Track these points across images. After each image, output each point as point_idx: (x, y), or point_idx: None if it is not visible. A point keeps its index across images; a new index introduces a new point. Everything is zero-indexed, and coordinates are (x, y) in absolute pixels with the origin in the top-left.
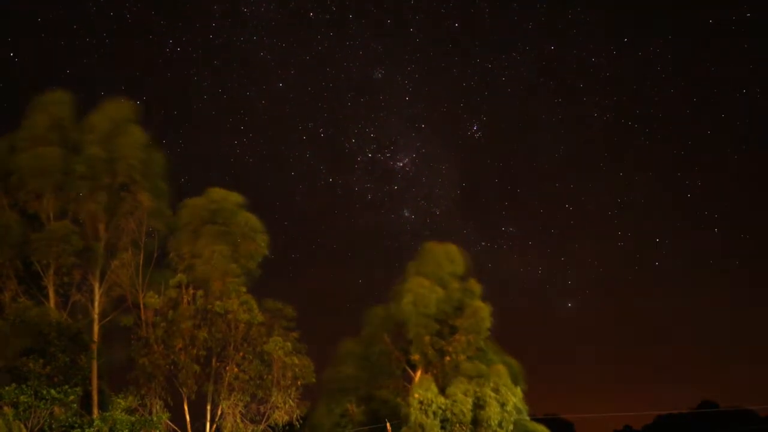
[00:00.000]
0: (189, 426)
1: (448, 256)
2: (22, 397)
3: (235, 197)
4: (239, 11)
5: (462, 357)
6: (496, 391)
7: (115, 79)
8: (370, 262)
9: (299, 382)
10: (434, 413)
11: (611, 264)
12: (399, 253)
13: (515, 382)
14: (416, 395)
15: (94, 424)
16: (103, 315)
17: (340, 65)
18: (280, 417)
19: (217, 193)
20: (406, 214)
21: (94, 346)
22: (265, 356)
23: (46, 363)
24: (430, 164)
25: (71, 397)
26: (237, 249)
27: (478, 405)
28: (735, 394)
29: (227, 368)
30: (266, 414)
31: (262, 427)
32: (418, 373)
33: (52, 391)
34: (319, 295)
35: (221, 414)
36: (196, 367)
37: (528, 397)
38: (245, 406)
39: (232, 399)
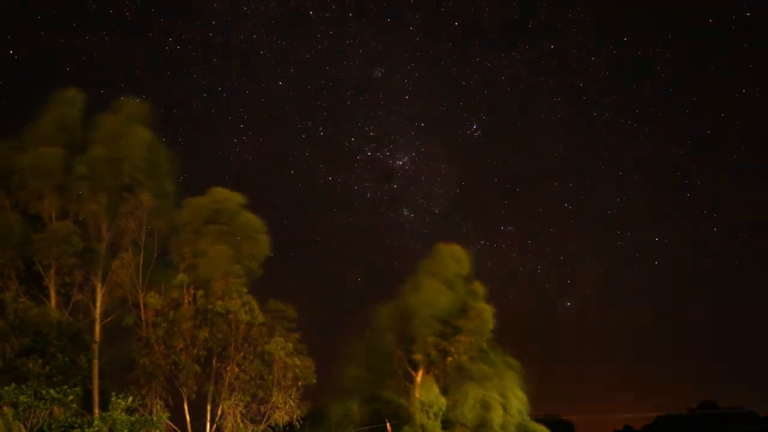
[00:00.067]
0: (189, 426)
1: (454, 257)
2: (21, 397)
3: (237, 197)
4: (239, 9)
5: (464, 358)
6: (500, 393)
7: (114, 78)
8: (370, 261)
9: (300, 383)
10: (435, 414)
11: (611, 263)
12: (398, 252)
13: (519, 385)
14: (418, 396)
15: (94, 424)
16: (104, 315)
17: (340, 64)
18: (281, 417)
19: (219, 192)
20: (406, 213)
21: (96, 346)
22: (265, 356)
23: (46, 363)
24: (429, 163)
25: (71, 397)
26: (239, 249)
27: (482, 407)
28: (735, 394)
29: (228, 368)
30: (267, 414)
31: (262, 427)
32: (420, 374)
33: (52, 391)
34: (319, 294)
35: (221, 414)
36: (197, 367)
37: (527, 397)
38: (246, 407)
39: (232, 399)
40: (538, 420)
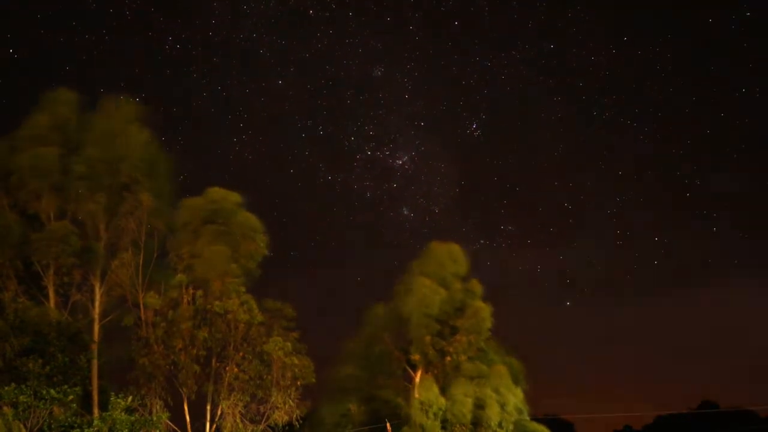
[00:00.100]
0: (189, 426)
1: (450, 256)
2: (21, 397)
3: (235, 197)
4: (239, 8)
5: (463, 357)
6: (497, 391)
7: (114, 77)
8: (369, 260)
9: (299, 383)
10: (435, 414)
11: (610, 263)
12: (398, 251)
13: (516, 383)
14: (417, 396)
15: (94, 424)
16: (103, 315)
17: (340, 63)
18: (280, 417)
19: (217, 192)
20: (405, 212)
21: (95, 346)
22: (264, 356)
23: (45, 363)
24: (429, 162)
25: (70, 397)
26: (237, 249)
27: (478, 406)
28: (735, 394)
29: (227, 368)
30: (266, 414)
31: (261, 427)
32: (419, 373)
33: (52, 391)
34: (318, 293)
35: (221, 414)
36: (196, 367)
37: (528, 396)
38: (245, 406)
39: (231, 399)
40: (538, 420)
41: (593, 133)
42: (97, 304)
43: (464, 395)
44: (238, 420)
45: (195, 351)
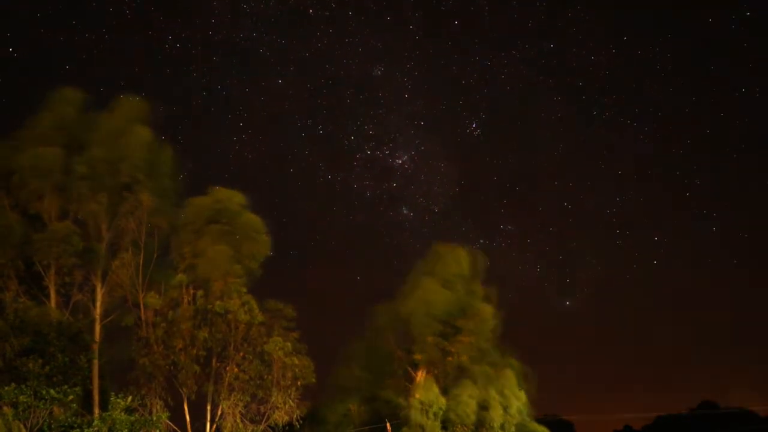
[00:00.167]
0: (189, 426)
1: (455, 258)
2: (21, 397)
3: (239, 197)
4: (239, 8)
5: (465, 358)
6: (501, 394)
7: (114, 76)
8: (369, 259)
9: (299, 383)
10: (435, 414)
11: (610, 263)
12: (398, 251)
13: (519, 385)
14: (417, 396)
15: (94, 424)
16: (104, 315)
17: (340, 62)
18: (280, 417)
19: (222, 192)
20: (405, 212)
21: (95, 346)
22: (265, 356)
23: (46, 363)
24: (428, 162)
25: (70, 397)
26: (239, 249)
27: (482, 407)
28: (735, 394)
29: (227, 368)
30: (266, 414)
31: (262, 427)
32: (420, 374)
33: (52, 391)
34: (318, 293)
35: (221, 414)
36: (196, 367)
37: (528, 397)
38: (245, 406)
39: (232, 399)
40: (538, 420)
41: (593, 133)
42: (98, 304)
43: (469, 397)
44: (239, 420)
45: (195, 351)
